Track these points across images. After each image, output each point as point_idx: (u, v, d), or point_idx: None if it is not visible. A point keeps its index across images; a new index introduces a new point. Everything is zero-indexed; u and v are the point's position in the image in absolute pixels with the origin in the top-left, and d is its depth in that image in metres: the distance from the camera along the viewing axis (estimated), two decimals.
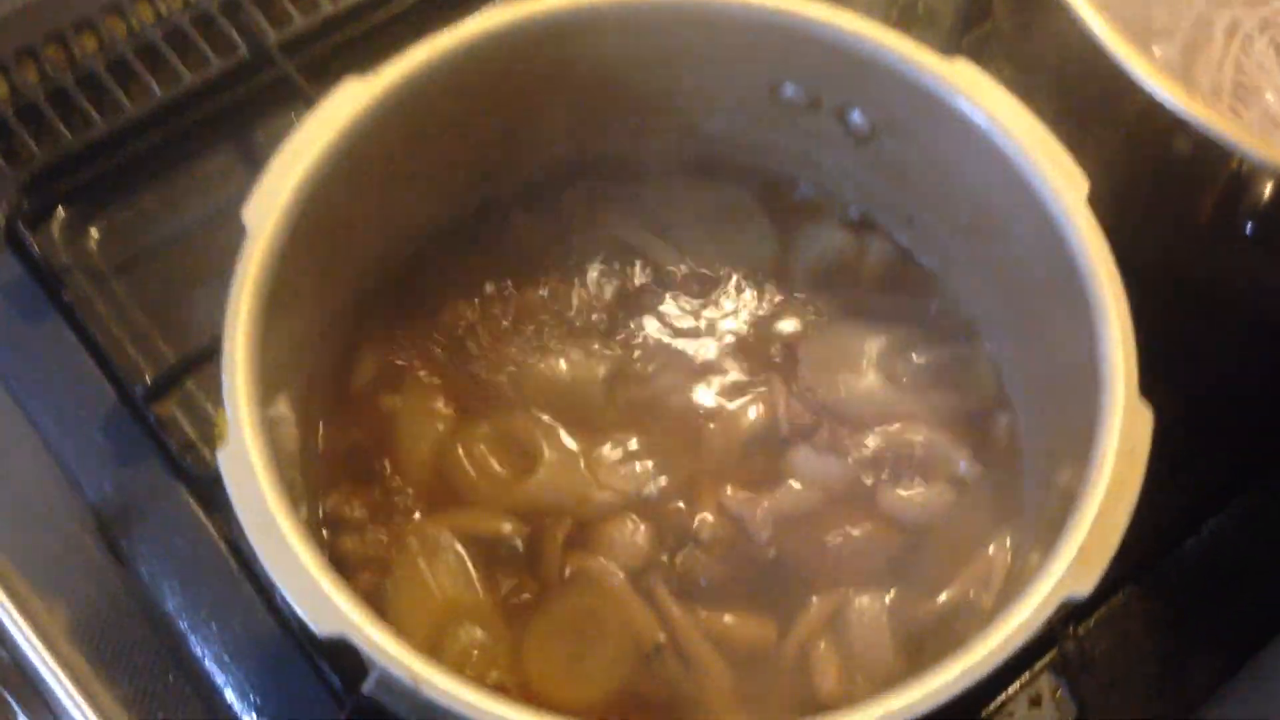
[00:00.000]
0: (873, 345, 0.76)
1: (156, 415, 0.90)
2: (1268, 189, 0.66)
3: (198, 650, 0.85)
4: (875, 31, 0.69)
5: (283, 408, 0.66)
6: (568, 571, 0.70)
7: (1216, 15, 0.83)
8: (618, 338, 0.77)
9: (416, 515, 0.71)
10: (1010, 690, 0.83)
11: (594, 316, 0.77)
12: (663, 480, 0.72)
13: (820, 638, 0.68)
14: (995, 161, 0.67)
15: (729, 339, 0.77)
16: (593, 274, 0.78)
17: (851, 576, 0.70)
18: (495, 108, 0.74)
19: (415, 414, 0.74)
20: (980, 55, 0.85)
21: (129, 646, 0.85)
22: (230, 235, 0.81)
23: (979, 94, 0.67)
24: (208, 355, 0.88)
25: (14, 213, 0.97)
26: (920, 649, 0.68)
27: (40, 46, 1.06)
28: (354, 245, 0.72)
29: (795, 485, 0.72)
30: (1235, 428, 0.90)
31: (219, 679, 0.84)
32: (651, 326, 0.77)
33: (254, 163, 1.02)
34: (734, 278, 0.79)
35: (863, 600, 0.69)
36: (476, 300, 0.77)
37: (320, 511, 0.71)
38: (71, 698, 0.80)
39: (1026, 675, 0.84)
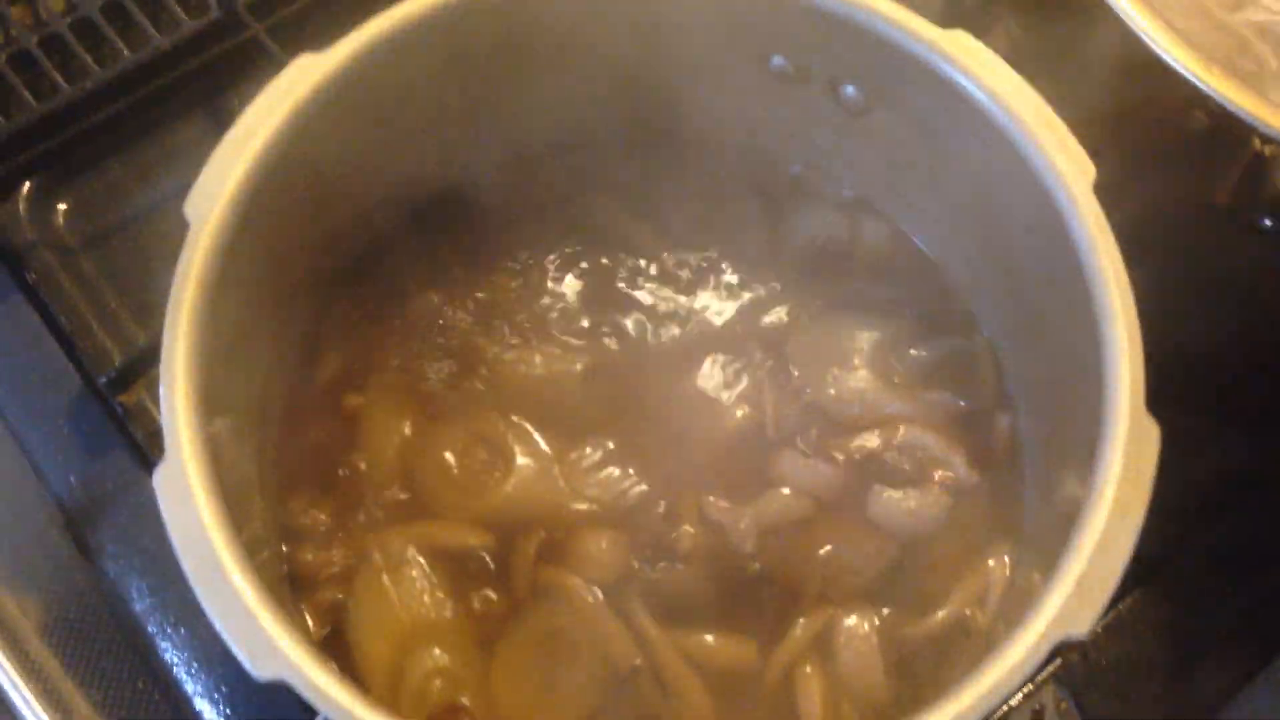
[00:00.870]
0: (866, 339, 0.71)
1: (123, 405, 0.86)
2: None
3: (167, 656, 0.82)
4: None
5: (234, 413, 0.62)
6: (539, 588, 0.66)
7: None
8: (595, 331, 0.72)
9: (381, 526, 0.67)
10: (1013, 703, 0.79)
11: (570, 308, 0.72)
12: (641, 487, 0.68)
13: (806, 660, 0.64)
14: (995, 140, 0.62)
15: (713, 332, 0.72)
16: (569, 262, 0.74)
17: (839, 593, 0.65)
18: (460, 82, 0.69)
19: (380, 415, 0.70)
20: (985, 18, 0.80)
21: (98, 650, 0.83)
22: None
23: (978, 67, 0.62)
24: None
25: None
26: (911, 671, 0.64)
27: (4, 8, 1.01)
28: (312, 233, 0.68)
29: (781, 492, 0.68)
30: (1248, 420, 0.85)
31: (188, 686, 0.81)
32: (631, 319, 0.73)
33: (223, 128, 0.97)
34: (719, 264, 0.74)
35: (851, 620, 0.65)
36: (445, 291, 0.72)
37: (278, 522, 0.67)
38: (29, 706, 0.77)
39: (1030, 687, 0.80)
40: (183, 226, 0.94)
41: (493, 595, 0.66)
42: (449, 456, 0.68)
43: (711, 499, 0.67)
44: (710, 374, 0.71)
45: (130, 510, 0.85)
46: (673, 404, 0.70)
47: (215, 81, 1.00)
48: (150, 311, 0.91)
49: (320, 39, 0.64)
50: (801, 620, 0.65)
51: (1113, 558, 0.52)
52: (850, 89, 0.69)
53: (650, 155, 0.76)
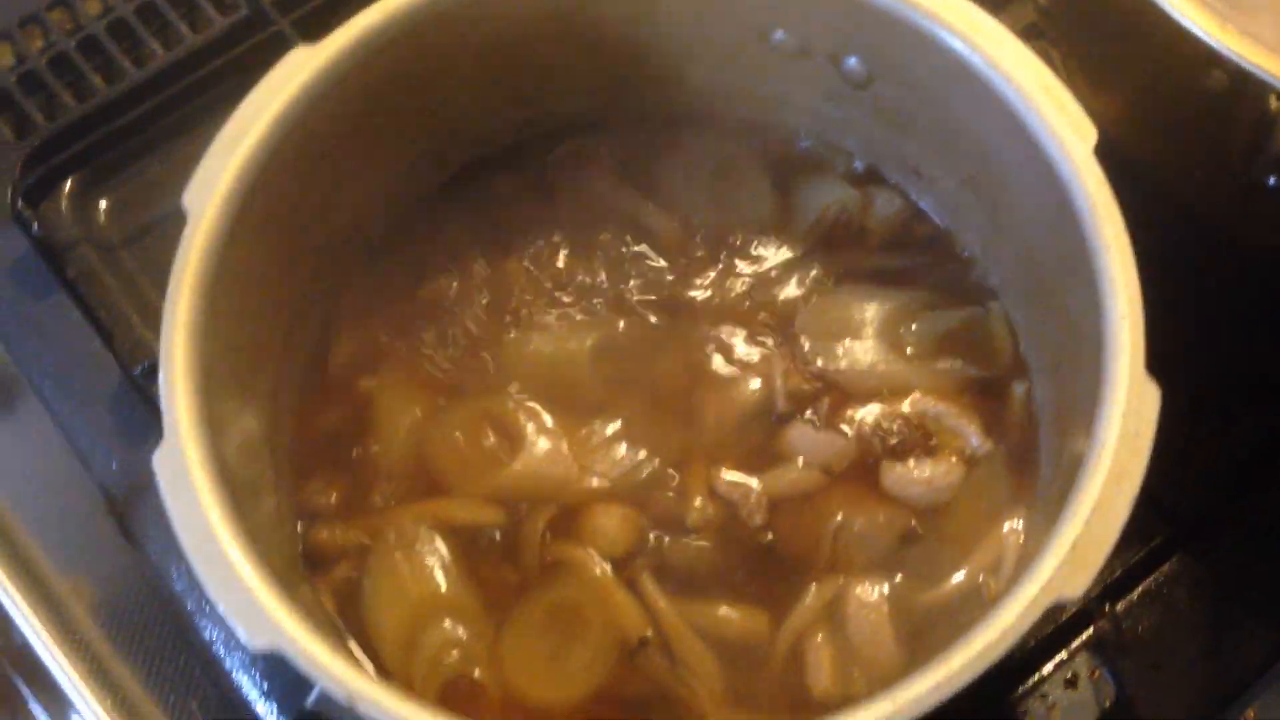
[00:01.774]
0: (878, 310, 0.71)
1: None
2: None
3: (207, 634, 0.84)
4: None
5: (241, 399, 0.64)
6: (550, 561, 0.66)
7: None
8: (604, 308, 0.72)
9: (394, 504, 0.68)
10: (1045, 671, 0.78)
11: (579, 287, 0.72)
12: (651, 462, 0.68)
13: (816, 630, 0.64)
14: (995, 107, 0.61)
15: (723, 307, 0.72)
16: (578, 240, 0.74)
17: (850, 563, 0.65)
18: (462, 68, 0.69)
19: (393, 396, 0.71)
20: None
21: (141, 628, 0.85)
22: None
23: (976, 33, 0.61)
24: None
25: (18, 187, 0.96)
26: (923, 641, 0.63)
27: (44, 13, 1.04)
28: (318, 221, 0.69)
29: (792, 465, 0.67)
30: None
31: (227, 662, 0.83)
32: (640, 295, 0.73)
33: None
34: (729, 239, 0.74)
35: (863, 588, 0.64)
36: (456, 273, 0.73)
37: (293, 501, 0.68)
38: (75, 685, 0.80)
39: (1063, 654, 0.79)
40: None
41: (504, 570, 0.66)
42: (459, 436, 0.69)
43: (722, 472, 0.67)
44: (721, 348, 0.71)
45: None
46: (683, 379, 0.70)
47: (244, 77, 1.01)
48: None
49: None
50: (812, 588, 0.64)
51: (1109, 521, 0.51)
52: (852, 61, 0.68)
53: (658, 135, 0.77)
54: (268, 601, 0.52)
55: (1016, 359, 0.70)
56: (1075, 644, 0.79)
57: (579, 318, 0.72)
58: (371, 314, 0.73)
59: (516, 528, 0.67)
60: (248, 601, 0.52)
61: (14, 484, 0.88)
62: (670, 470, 0.68)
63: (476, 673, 0.64)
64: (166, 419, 0.56)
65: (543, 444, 0.68)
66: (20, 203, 0.95)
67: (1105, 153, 0.59)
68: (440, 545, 0.66)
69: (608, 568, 0.66)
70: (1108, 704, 0.77)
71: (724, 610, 0.65)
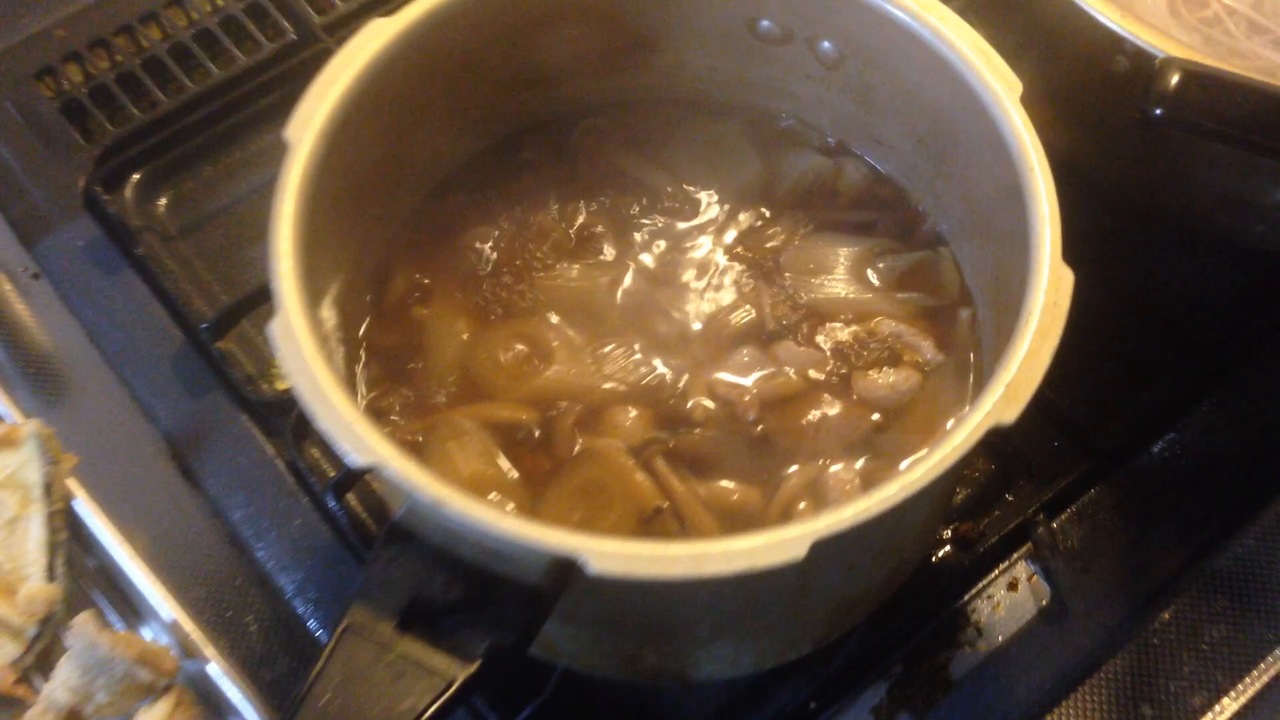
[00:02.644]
0: (848, 253, 0.85)
1: (220, 350, 1.01)
2: (1160, 76, 0.74)
3: (261, 554, 0.95)
4: None
5: (324, 310, 0.76)
6: (578, 449, 0.79)
7: None
8: (619, 252, 0.86)
9: (445, 407, 0.81)
10: (990, 577, 0.91)
11: (598, 235, 0.86)
12: (660, 371, 0.81)
13: (800, 500, 0.76)
14: (940, 70, 0.76)
15: (720, 251, 0.86)
16: (595, 199, 0.88)
17: (828, 449, 0.78)
18: (504, 48, 0.84)
19: (442, 323, 0.84)
20: None
21: (202, 556, 0.95)
22: None
23: (924, 10, 0.76)
24: (262, 298, 1.00)
25: (91, 180, 1.09)
26: None
27: (110, 37, 1.18)
28: (384, 167, 0.82)
29: (779, 371, 0.81)
30: (1197, 341, 0.98)
31: (280, 580, 0.94)
32: (649, 242, 0.87)
33: None
34: (723, 200, 0.89)
35: (838, 468, 0.77)
36: (494, 223, 0.87)
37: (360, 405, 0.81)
38: (153, 599, 0.90)
39: (1004, 564, 0.92)
40: (262, 217, 1.10)
41: (539, 459, 0.79)
42: (500, 352, 0.82)
43: (720, 376, 0.81)
44: (717, 282, 0.85)
45: (228, 439, 0.99)
46: (686, 306, 0.84)
47: (291, 93, 1.16)
48: (235, 283, 1.06)
49: None
50: (797, 468, 0.77)
51: (1035, 367, 0.65)
52: (826, 44, 0.84)
53: (663, 115, 0.91)
54: (366, 431, 0.64)
55: (962, 291, 0.84)
56: (1015, 555, 0.92)
57: (598, 259, 0.86)
58: (423, 255, 0.86)
59: (550, 424, 0.80)
60: (352, 431, 0.64)
61: (86, 437, 0.99)
62: (677, 377, 0.81)
63: None
64: (277, 296, 0.68)
65: (570, 357, 0.82)
66: (95, 192, 1.08)
67: None
68: (486, 438, 0.79)
69: (627, 453, 0.78)
70: (1044, 603, 0.90)
71: (724, 484, 0.78)
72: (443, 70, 0.81)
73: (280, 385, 1.00)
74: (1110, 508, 0.94)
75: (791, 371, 0.81)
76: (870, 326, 0.83)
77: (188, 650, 0.88)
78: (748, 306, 0.83)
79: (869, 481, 0.77)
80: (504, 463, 0.78)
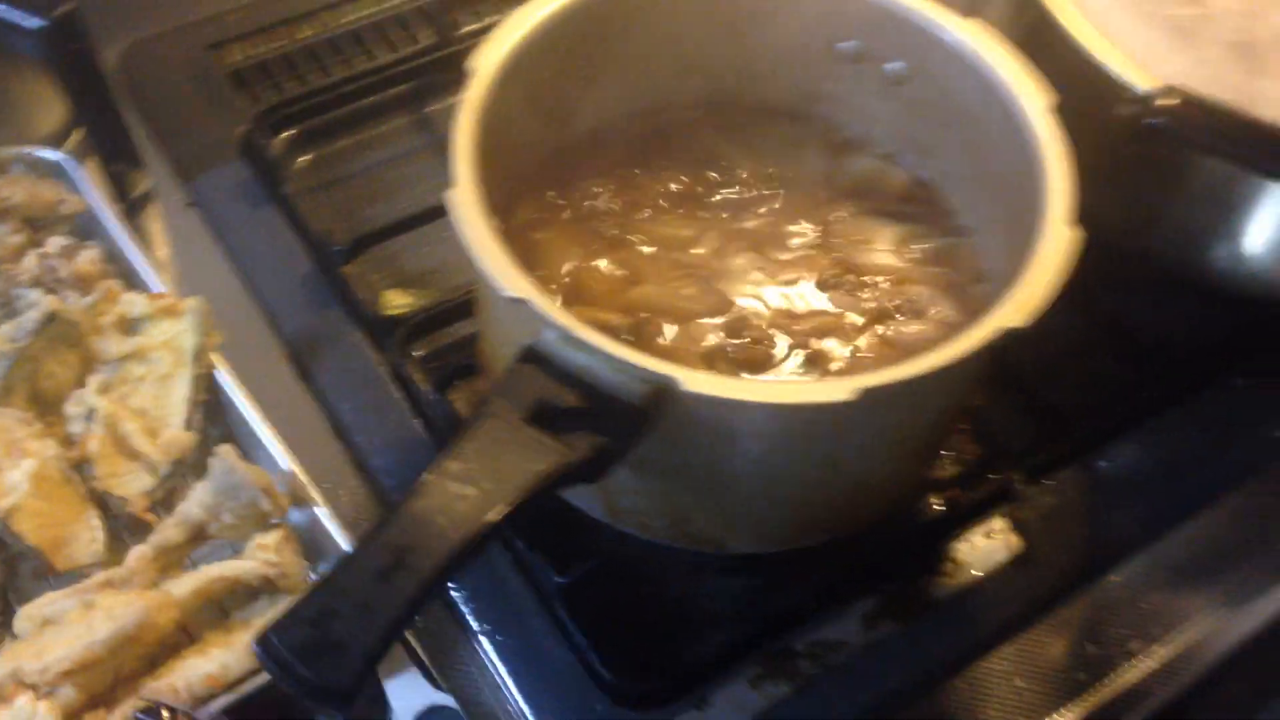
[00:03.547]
0: (891, 233, 1.05)
1: (344, 275, 1.19)
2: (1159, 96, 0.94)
3: (360, 440, 1.12)
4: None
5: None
6: (658, 350, 0.97)
7: None
8: (704, 214, 1.06)
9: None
10: (971, 526, 1.08)
11: (688, 199, 1.06)
12: (730, 299, 1.00)
13: None
14: (986, 88, 0.96)
15: (785, 219, 1.06)
16: (690, 172, 1.08)
17: (858, 372, 0.96)
18: (636, 39, 1.05)
19: (556, 245, 1.02)
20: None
21: (314, 442, 1.11)
22: (398, 177, 1.27)
23: (976, 39, 0.97)
24: (387, 234, 1.19)
25: (251, 130, 1.29)
26: None
27: (275, 26, 1.40)
28: (529, 120, 1.02)
29: (828, 310, 1.00)
30: (1167, 363, 1.17)
31: (375, 461, 1.10)
32: (729, 205, 1.07)
33: (423, 128, 1.35)
34: (794, 184, 1.09)
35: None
36: (609, 178, 1.06)
37: None
38: (274, 450, 1.06)
39: (983, 517, 1.09)
40: (383, 184, 1.30)
41: None
42: (603, 270, 1.01)
43: (780, 308, 0.99)
44: (784, 240, 1.04)
45: (345, 347, 1.17)
46: (756, 254, 1.03)
47: (423, 85, 1.37)
48: (358, 229, 1.24)
49: None
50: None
51: (1043, 286, 0.83)
52: (893, 65, 1.04)
53: (744, 118, 1.12)
54: (517, 275, 0.83)
55: (981, 270, 1.03)
56: (993, 512, 1.09)
57: (685, 213, 1.05)
58: (545, 192, 1.06)
59: (637, 328, 0.98)
60: (507, 272, 0.83)
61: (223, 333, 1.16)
62: (744, 304, 1.00)
63: None
64: (455, 173, 0.87)
65: (658, 279, 1.00)
66: (254, 136, 1.28)
67: None
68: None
69: (699, 357, 0.96)
70: (1014, 551, 1.07)
71: None
72: (594, 49, 1.02)
73: (390, 310, 1.18)
74: (1079, 485, 1.11)
75: (839, 311, 0.99)
76: (904, 289, 1.01)
77: (299, 497, 1.04)
78: (810, 257, 1.02)
79: None
80: None
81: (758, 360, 0.96)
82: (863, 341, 0.98)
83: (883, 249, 1.04)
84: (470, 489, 0.74)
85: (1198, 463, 1.14)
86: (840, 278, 1.02)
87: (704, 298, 0.99)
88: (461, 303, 1.14)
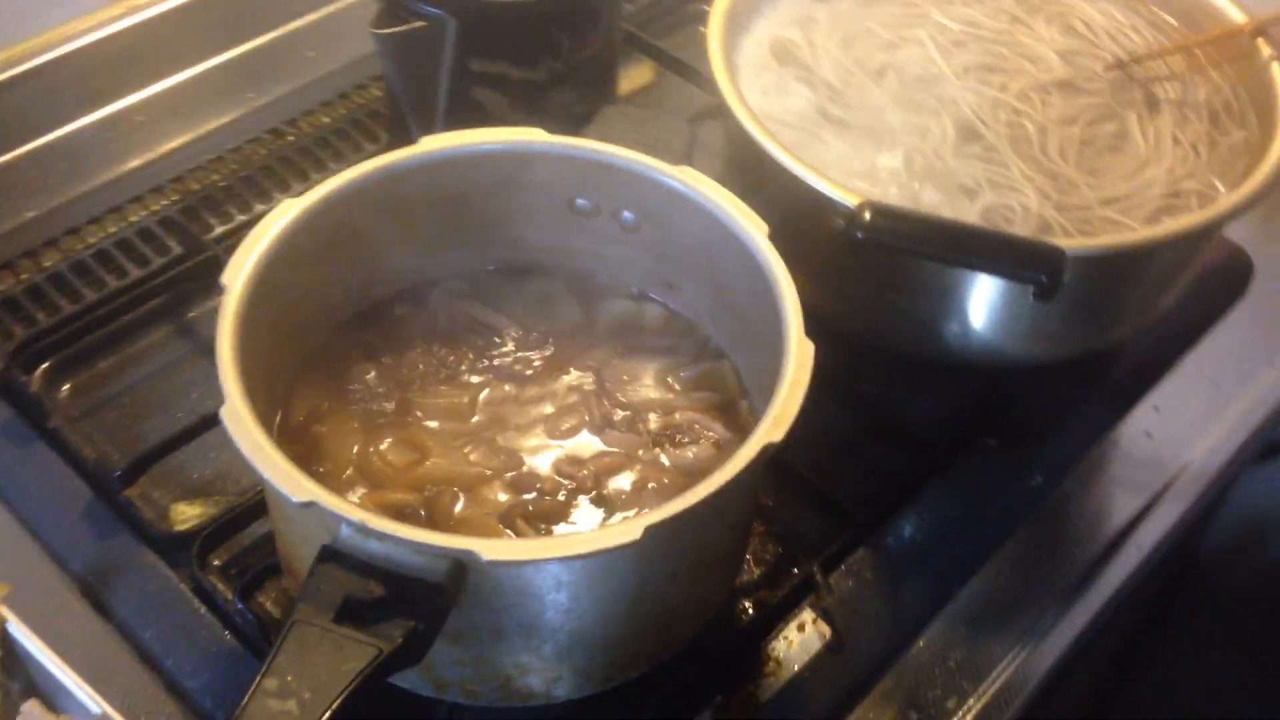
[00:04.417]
0: (654, 368, 1.11)
1: (127, 497, 1.18)
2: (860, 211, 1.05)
3: (171, 664, 1.10)
4: (629, 154, 1.08)
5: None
6: (455, 521, 1.00)
7: None
8: (474, 378, 1.10)
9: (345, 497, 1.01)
10: (784, 624, 1.14)
11: (455, 366, 1.10)
12: (518, 457, 1.04)
13: None
14: (715, 227, 1.04)
15: (554, 372, 1.11)
16: (454, 340, 1.12)
17: (647, 503, 1.01)
18: (380, 227, 1.09)
19: (338, 434, 1.05)
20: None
21: (124, 676, 1.09)
22: (169, 389, 1.27)
23: (697, 184, 1.06)
24: (162, 452, 1.19)
25: (4, 369, 1.27)
26: None
27: (16, 259, 1.39)
28: (293, 312, 1.05)
29: (609, 451, 1.05)
30: (921, 441, 1.27)
31: (190, 683, 1.09)
32: (499, 368, 1.11)
33: (187, 336, 1.35)
34: (555, 337, 1.14)
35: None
36: (374, 361, 1.10)
37: None
38: (80, 695, 1.03)
39: (794, 612, 1.15)
40: (152, 401, 1.30)
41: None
42: (386, 453, 1.04)
43: (564, 457, 1.04)
44: (557, 392, 1.09)
45: (139, 572, 1.15)
46: (532, 412, 1.08)
47: (178, 296, 1.38)
48: (133, 451, 1.23)
49: None
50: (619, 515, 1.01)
51: (792, 403, 0.91)
52: (627, 215, 1.12)
53: (504, 278, 1.18)
54: (303, 479, 0.85)
55: (740, 388, 1.11)
56: (802, 605, 1.16)
57: (460, 380, 1.09)
58: (318, 385, 1.08)
59: (431, 503, 1.01)
60: (291, 479, 0.85)
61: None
62: (531, 460, 1.04)
63: None
64: (225, 389, 0.89)
65: (443, 452, 1.04)
66: (12, 373, 1.26)
67: None
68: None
69: (495, 519, 1.00)
70: (826, 639, 1.13)
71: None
72: (335, 242, 1.06)
73: (180, 525, 1.18)
74: (872, 566, 1.18)
75: (619, 450, 1.05)
76: (675, 418, 1.08)
77: None
78: (583, 403, 1.07)
79: None
80: None
81: (552, 512, 1.00)
82: (645, 473, 1.03)
83: (649, 384, 1.10)
84: (291, 703, 0.75)
85: (969, 522, 1.23)
86: (615, 418, 1.07)
87: (490, 460, 1.03)
88: (255, 503, 1.14)
